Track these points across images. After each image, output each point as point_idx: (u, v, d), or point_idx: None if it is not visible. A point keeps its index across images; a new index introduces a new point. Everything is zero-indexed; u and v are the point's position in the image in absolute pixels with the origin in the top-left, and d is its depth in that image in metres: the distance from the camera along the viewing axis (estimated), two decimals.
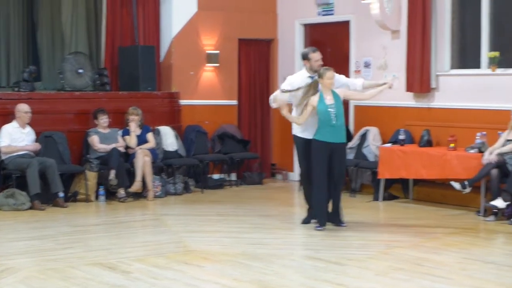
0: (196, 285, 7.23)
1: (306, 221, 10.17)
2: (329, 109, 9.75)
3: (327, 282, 7.28)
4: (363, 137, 13.02)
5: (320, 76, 9.81)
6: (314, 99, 9.77)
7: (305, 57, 10.18)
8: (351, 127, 13.52)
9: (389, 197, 12.38)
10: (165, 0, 14.10)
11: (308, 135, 9.95)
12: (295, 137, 10.16)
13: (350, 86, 10.29)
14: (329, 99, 9.78)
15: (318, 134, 9.80)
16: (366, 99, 10.51)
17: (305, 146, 9.98)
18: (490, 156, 10.60)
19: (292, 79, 10.20)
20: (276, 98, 10.09)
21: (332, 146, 9.79)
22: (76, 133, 12.61)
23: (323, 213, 9.90)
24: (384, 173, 12.04)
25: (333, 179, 9.89)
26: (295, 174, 14.01)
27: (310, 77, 10.03)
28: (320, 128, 9.79)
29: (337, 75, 10.11)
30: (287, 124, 10.86)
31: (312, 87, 9.87)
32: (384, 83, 10.25)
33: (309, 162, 9.93)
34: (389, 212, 11.52)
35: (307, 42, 14.43)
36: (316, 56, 10.10)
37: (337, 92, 9.92)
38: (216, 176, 14.09)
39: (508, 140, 10.74)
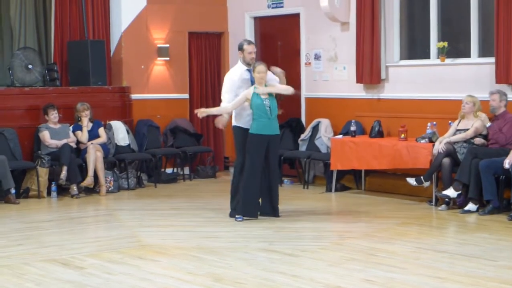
0: (151, 280, 7.21)
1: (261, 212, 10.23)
2: (264, 103, 9.86)
3: (281, 274, 7.31)
4: (315, 129, 13.08)
5: (252, 69, 9.91)
6: (249, 92, 9.86)
7: (240, 48, 10.29)
8: (303, 119, 13.58)
9: (341, 188, 12.46)
10: None
11: (247, 124, 10.06)
12: (236, 128, 10.18)
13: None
14: (263, 93, 9.89)
15: (254, 128, 9.89)
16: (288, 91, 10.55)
17: (246, 137, 10.08)
18: (439, 145, 10.71)
19: (231, 75, 10.24)
20: (220, 122, 10.23)
21: (268, 138, 9.93)
22: (27, 129, 12.48)
23: (254, 205, 10.03)
24: (336, 165, 12.10)
25: (269, 171, 10.04)
26: None
27: (247, 70, 10.12)
28: (256, 121, 9.88)
29: (270, 75, 10.22)
30: None
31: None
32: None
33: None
34: (341, 203, 11.59)
35: (257, 35, 14.46)
36: (250, 48, 10.20)
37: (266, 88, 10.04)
38: (169, 170, 14.06)
39: (458, 130, 10.86)
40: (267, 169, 10.05)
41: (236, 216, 10.02)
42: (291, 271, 7.41)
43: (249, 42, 10.34)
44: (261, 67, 9.94)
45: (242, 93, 9.97)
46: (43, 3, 13.64)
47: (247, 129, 10.02)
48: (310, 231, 9.46)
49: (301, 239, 9.04)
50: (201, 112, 10.16)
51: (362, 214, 10.59)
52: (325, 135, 12.87)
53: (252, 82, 10.08)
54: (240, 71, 10.21)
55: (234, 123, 10.24)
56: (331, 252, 8.29)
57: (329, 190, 12.37)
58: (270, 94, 9.97)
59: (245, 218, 9.99)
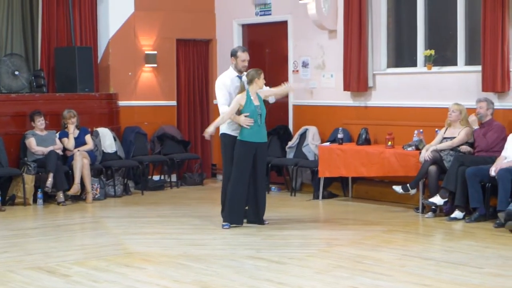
0: None
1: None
2: (256, 109, 9.88)
3: (268, 282, 7.30)
4: (303, 136, 13.08)
5: (256, 76, 9.90)
6: (242, 98, 9.85)
7: (233, 54, 10.24)
8: (290, 127, 13.59)
9: (328, 195, 12.47)
10: (101, 0, 14.00)
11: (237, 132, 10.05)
12: (226, 136, 10.15)
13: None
14: (255, 100, 9.89)
15: (244, 135, 9.89)
16: (279, 94, 10.63)
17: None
18: (426, 153, 10.73)
19: (223, 80, 10.19)
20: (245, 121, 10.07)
21: (256, 145, 9.93)
22: (13, 136, 12.44)
23: (241, 212, 10.02)
24: (324, 172, 12.11)
25: (256, 178, 10.03)
26: None
27: (238, 76, 10.11)
28: (246, 128, 9.85)
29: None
30: None
31: (242, 89, 9.98)
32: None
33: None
34: (328, 211, 11.60)
35: (245, 42, 14.45)
36: (244, 56, 10.17)
37: (260, 93, 10.06)
38: (156, 177, 14.03)
39: (445, 138, 10.88)
40: (254, 177, 10.03)
41: (223, 223, 10.01)
42: (278, 279, 7.40)
43: (244, 50, 10.28)
44: (263, 74, 10.02)
45: (234, 100, 9.92)
46: (30, 9, 13.61)
47: (248, 141, 9.97)
48: (297, 238, 9.46)
49: (288, 246, 9.04)
50: (209, 134, 10.04)
51: (349, 221, 10.61)
52: (313, 143, 12.88)
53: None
54: (231, 76, 10.16)
55: (224, 130, 10.16)
56: (318, 259, 8.29)
57: (316, 197, 12.37)
58: (260, 101, 9.98)
59: (231, 225, 9.98)
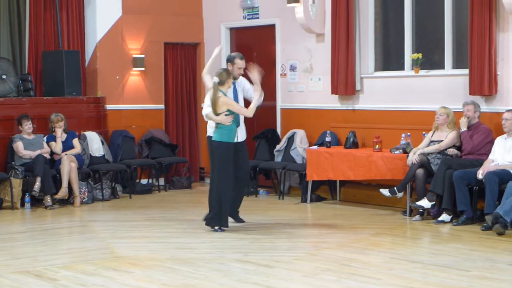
0: None
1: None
2: None
3: (256, 285, 7.30)
4: (291, 139, 13.10)
5: (228, 77, 9.86)
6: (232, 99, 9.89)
7: (230, 60, 10.26)
8: (278, 130, 13.60)
9: (316, 198, 12.48)
10: (89, 4, 13.99)
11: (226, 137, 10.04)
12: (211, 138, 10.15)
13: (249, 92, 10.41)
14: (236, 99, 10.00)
15: (225, 136, 9.84)
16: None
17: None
18: (413, 156, 10.76)
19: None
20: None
21: (236, 145, 9.95)
22: (0, 140, 12.42)
23: (227, 214, 10.02)
24: (312, 175, 12.12)
25: (240, 178, 10.06)
26: None
27: (232, 82, 10.09)
28: (228, 129, 9.83)
29: (247, 84, 10.37)
30: None
31: (215, 88, 9.91)
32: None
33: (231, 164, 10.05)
34: (316, 214, 11.61)
35: (233, 45, 14.46)
36: (241, 64, 10.25)
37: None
38: (144, 181, 14.01)
39: (432, 141, 10.91)
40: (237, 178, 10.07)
41: (216, 227, 9.98)
42: (265, 282, 7.41)
43: (242, 57, 10.29)
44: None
45: (232, 102, 9.86)
46: (17, 13, 13.59)
47: (225, 142, 9.96)
48: (285, 241, 9.46)
49: (276, 249, 9.03)
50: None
51: (337, 224, 10.62)
52: (301, 146, 12.89)
53: (235, 95, 10.09)
54: None
55: (210, 133, 10.13)
56: (306, 262, 8.29)
57: (304, 200, 12.38)
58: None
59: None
